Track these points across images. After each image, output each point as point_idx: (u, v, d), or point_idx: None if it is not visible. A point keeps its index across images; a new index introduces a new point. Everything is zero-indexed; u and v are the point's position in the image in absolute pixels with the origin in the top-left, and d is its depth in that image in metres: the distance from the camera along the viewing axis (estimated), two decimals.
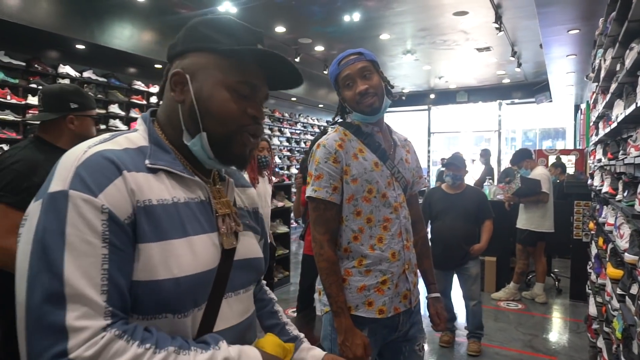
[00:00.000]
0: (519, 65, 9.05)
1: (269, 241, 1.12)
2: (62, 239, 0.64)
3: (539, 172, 4.87)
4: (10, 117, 5.15)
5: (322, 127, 11.78)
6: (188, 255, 0.75)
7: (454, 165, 3.65)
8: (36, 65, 5.51)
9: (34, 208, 0.68)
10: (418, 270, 1.76)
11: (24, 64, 5.40)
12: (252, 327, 0.93)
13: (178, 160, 0.82)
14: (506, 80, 11.44)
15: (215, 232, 0.83)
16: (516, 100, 12.26)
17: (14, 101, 5.25)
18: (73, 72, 5.90)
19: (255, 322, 0.96)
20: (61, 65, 5.80)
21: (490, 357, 3.54)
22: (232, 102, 0.81)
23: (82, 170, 0.68)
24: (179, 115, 0.82)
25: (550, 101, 10.94)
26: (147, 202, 0.72)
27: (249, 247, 0.92)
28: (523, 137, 15.36)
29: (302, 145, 11.32)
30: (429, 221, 3.75)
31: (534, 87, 11.05)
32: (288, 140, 10.98)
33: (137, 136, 0.81)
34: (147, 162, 0.76)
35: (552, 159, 8.53)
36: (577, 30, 5.40)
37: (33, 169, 1.63)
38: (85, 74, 6.11)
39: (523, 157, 5.16)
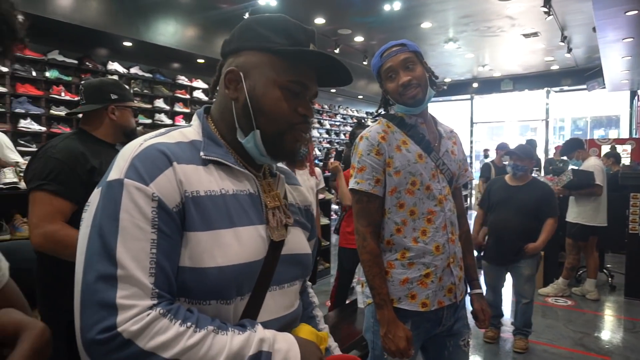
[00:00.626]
0: (569, 50, 8.61)
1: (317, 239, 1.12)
2: (116, 223, 0.69)
3: (592, 163, 4.62)
4: (64, 112, 5.42)
5: (362, 119, 11.69)
6: (233, 245, 0.77)
7: (516, 154, 3.45)
8: (87, 63, 5.77)
9: (95, 195, 0.74)
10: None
11: (76, 62, 5.67)
12: (295, 322, 0.94)
13: (230, 154, 0.85)
14: (555, 67, 10.93)
15: (263, 225, 0.85)
16: (565, 88, 11.71)
17: (67, 97, 5.53)
18: (121, 69, 6.14)
19: (299, 318, 0.97)
20: (110, 62, 6.05)
21: (538, 355, 3.42)
22: (283, 100, 0.84)
23: (136, 161, 0.73)
24: (232, 112, 0.85)
25: (603, 87, 10.36)
26: (195, 194, 0.76)
27: (297, 242, 0.93)
28: (572, 126, 14.67)
29: (342, 137, 11.29)
30: (487, 212, 3.60)
31: (586, 74, 10.49)
32: (327, 132, 10.99)
33: (190, 131, 0.85)
34: (201, 153, 0.80)
35: (605, 149, 8.11)
36: (636, 12, 5.07)
37: (74, 159, 1.67)
38: (132, 70, 6.34)
39: (574, 147, 4.87)
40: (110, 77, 5.86)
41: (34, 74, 5.27)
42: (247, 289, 0.80)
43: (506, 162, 6.01)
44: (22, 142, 5.12)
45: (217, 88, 0.90)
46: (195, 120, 0.89)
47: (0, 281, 0.79)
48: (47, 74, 5.41)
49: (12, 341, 0.65)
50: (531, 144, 7.40)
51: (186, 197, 0.75)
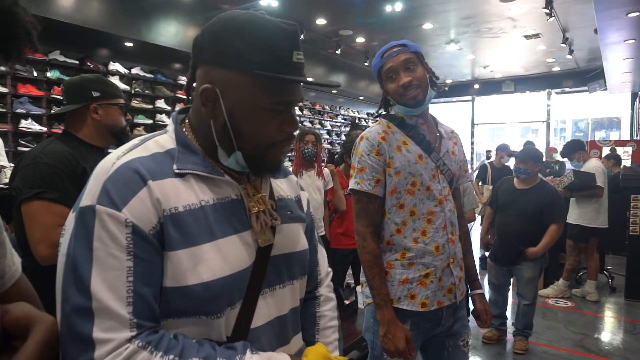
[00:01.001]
0: (571, 52, 8.62)
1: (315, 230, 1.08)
2: (90, 253, 0.67)
3: (593, 165, 4.62)
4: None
5: (357, 121, 11.69)
6: (217, 259, 0.75)
7: (519, 157, 3.45)
8: (88, 63, 5.77)
9: (70, 220, 0.72)
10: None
11: (77, 62, 5.68)
12: (294, 322, 0.92)
13: (206, 161, 0.80)
14: (556, 69, 10.93)
15: (248, 231, 0.81)
16: (567, 89, 11.71)
17: None
18: (122, 69, 6.14)
19: (299, 315, 0.95)
20: (111, 62, 6.06)
21: (538, 356, 3.42)
22: (266, 123, 0.78)
23: (109, 184, 0.70)
24: (211, 128, 0.80)
25: (605, 89, 10.35)
26: (174, 210, 0.73)
27: (290, 240, 0.90)
28: (574, 128, 14.66)
29: (343, 137, 11.30)
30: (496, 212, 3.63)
31: (587, 75, 10.49)
32: (328, 132, 10.99)
33: (165, 138, 0.81)
34: (174, 167, 0.76)
35: (606, 151, 8.10)
36: (637, 13, 5.07)
37: (65, 162, 1.54)
38: (134, 71, 6.35)
39: (575, 148, 4.87)
40: (112, 77, 5.87)
41: (35, 74, 5.27)
42: (237, 298, 0.78)
43: (507, 164, 6.02)
44: (23, 143, 5.13)
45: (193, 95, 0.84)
46: (170, 125, 0.84)
47: (13, 276, 0.80)
48: (49, 74, 5.42)
49: (24, 334, 0.67)
50: (528, 145, 7.37)
51: (165, 216, 0.72)
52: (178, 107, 6.87)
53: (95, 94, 1.71)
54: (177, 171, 0.75)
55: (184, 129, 0.83)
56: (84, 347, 0.63)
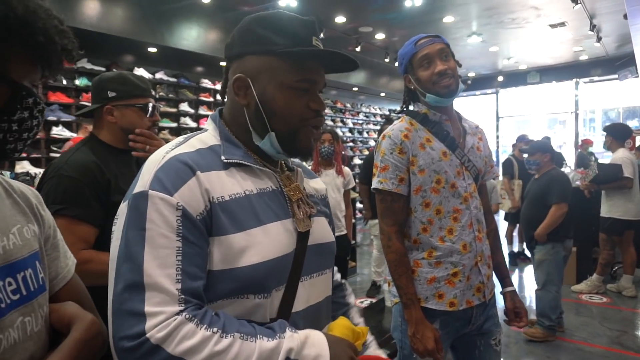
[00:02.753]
0: (599, 39, 8.33)
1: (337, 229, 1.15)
2: (142, 233, 0.72)
3: (620, 156, 4.46)
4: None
5: (388, 114, 11.61)
6: (265, 242, 0.80)
7: (527, 151, 3.75)
8: (114, 70, 5.91)
9: (122, 208, 0.78)
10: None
11: (104, 69, 5.82)
12: (327, 310, 0.97)
13: (249, 155, 0.88)
14: (584, 57, 10.58)
15: (289, 219, 0.88)
16: (595, 78, 11.32)
17: None
18: (147, 74, 6.27)
19: (330, 306, 1.00)
20: (136, 68, 6.19)
21: (572, 353, 3.33)
22: (294, 100, 0.86)
23: (160, 173, 0.76)
24: (244, 116, 0.88)
25: (637, 76, 9.97)
26: (222, 199, 0.79)
27: (321, 231, 0.96)
28: (604, 118, 14.17)
29: (365, 135, 11.24)
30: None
31: (617, 63, 10.12)
32: (350, 130, 10.95)
33: (207, 136, 0.89)
34: (223, 157, 0.83)
35: (639, 140, 7.80)
36: None
37: (90, 174, 1.43)
38: (158, 75, 6.47)
39: (613, 132, 4.68)
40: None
41: (64, 82, 5.43)
42: (281, 281, 0.83)
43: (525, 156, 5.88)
44: (54, 149, 5.29)
45: (227, 91, 0.93)
46: (210, 124, 0.92)
47: (65, 277, 0.85)
48: (77, 81, 5.57)
49: (67, 331, 0.74)
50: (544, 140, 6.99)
51: (213, 204, 0.77)
52: (201, 109, 6.99)
53: (110, 94, 1.58)
54: (225, 161, 0.83)
55: (224, 126, 0.91)
56: (134, 321, 0.68)
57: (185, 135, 0.89)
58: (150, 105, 1.63)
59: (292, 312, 0.85)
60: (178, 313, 0.69)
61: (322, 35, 0.86)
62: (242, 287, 0.78)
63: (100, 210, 1.41)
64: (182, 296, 0.71)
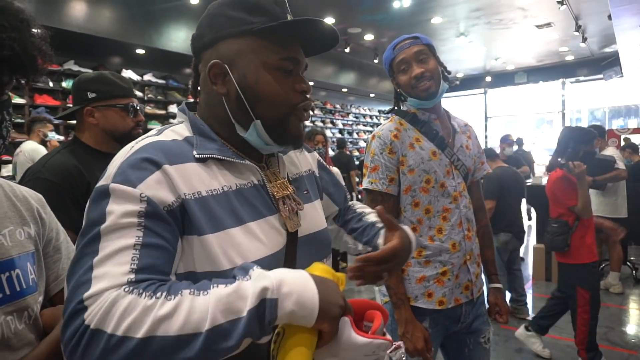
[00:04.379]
0: (584, 40, 8.45)
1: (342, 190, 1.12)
2: (98, 227, 0.65)
3: (609, 153, 4.55)
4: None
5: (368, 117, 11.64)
6: (248, 242, 0.74)
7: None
8: (110, 73, 5.86)
9: (88, 203, 0.72)
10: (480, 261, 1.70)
11: (91, 71, 5.76)
12: None
13: (226, 147, 0.80)
14: (570, 57, 10.74)
15: (275, 215, 0.81)
16: (581, 78, 11.49)
17: None
18: (135, 76, 6.23)
19: None
20: (124, 70, 6.14)
21: (562, 350, 3.37)
22: (279, 82, 0.79)
23: (125, 165, 0.70)
24: (224, 108, 0.80)
25: (621, 76, 10.12)
26: (197, 195, 0.72)
27: (312, 220, 0.90)
28: (590, 117, 14.35)
29: (355, 136, 11.27)
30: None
31: (602, 63, 10.27)
32: (340, 131, 10.97)
33: (182, 127, 0.82)
34: (194, 152, 0.76)
35: (622, 140, 7.92)
36: None
37: (68, 177, 1.38)
38: (146, 77, 6.43)
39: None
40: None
41: (51, 84, 5.37)
42: None
43: (511, 155, 5.96)
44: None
45: (201, 86, 0.85)
46: (181, 116, 0.85)
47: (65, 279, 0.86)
48: (64, 84, 5.51)
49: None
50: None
51: (186, 200, 0.70)
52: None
53: (90, 95, 1.52)
54: (197, 156, 0.75)
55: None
56: (77, 316, 0.59)
57: (159, 128, 0.82)
58: (133, 104, 1.57)
59: None
60: (117, 289, 0.59)
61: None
62: None
63: (78, 214, 1.34)
64: (133, 277, 0.61)
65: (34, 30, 0.70)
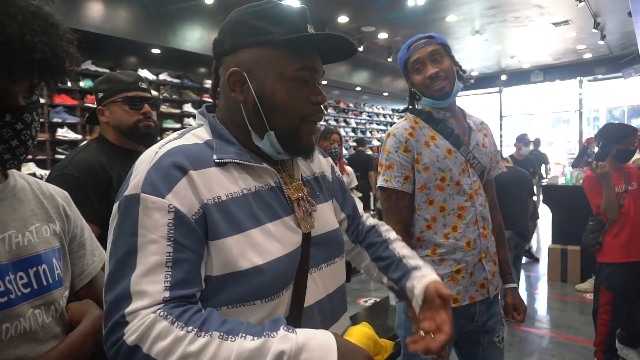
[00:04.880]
0: (603, 37, 8.31)
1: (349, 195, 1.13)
2: (134, 240, 0.69)
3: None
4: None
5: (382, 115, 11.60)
6: (266, 242, 0.77)
7: None
8: (118, 72, 5.94)
9: (115, 210, 0.75)
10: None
11: (108, 70, 5.85)
12: (341, 300, 0.95)
13: (244, 151, 0.83)
14: (587, 55, 10.55)
15: (290, 215, 0.84)
16: (600, 76, 11.28)
17: None
18: (150, 76, 6.30)
19: (345, 293, 0.98)
20: (140, 69, 6.22)
21: (577, 352, 3.33)
22: (295, 93, 0.81)
23: (152, 173, 0.72)
24: (242, 114, 0.83)
25: None
26: (217, 199, 0.75)
27: (324, 220, 0.92)
28: (608, 116, 14.10)
29: (368, 135, 11.24)
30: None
31: (621, 61, 10.08)
32: (354, 130, 10.96)
33: (202, 131, 0.84)
34: (214, 157, 0.78)
35: None
36: None
37: (92, 173, 1.44)
38: (161, 77, 6.50)
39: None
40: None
41: (69, 84, 5.46)
42: (289, 280, 0.81)
43: (527, 155, 5.84)
44: (60, 150, 5.33)
45: (220, 90, 0.88)
46: (201, 119, 0.87)
47: (90, 274, 0.90)
48: (82, 83, 5.60)
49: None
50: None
51: (207, 205, 0.73)
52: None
53: (99, 95, 1.59)
54: (217, 161, 0.78)
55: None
56: (118, 329, 0.66)
57: (180, 131, 0.85)
58: (135, 97, 1.57)
59: (305, 307, 0.82)
60: (154, 312, 0.66)
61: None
62: (247, 293, 0.74)
63: (102, 208, 1.41)
64: (168, 297, 0.67)
65: (62, 33, 0.72)
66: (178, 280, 0.69)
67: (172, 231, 0.70)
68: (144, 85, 1.61)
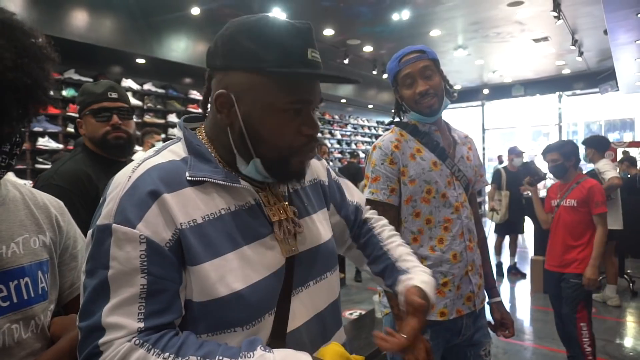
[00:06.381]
0: (581, 54, 8.54)
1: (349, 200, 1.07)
2: (105, 272, 0.67)
3: (603, 164, 4.51)
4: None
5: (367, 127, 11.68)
6: (244, 266, 0.74)
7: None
8: (93, 83, 5.88)
9: (88, 237, 0.73)
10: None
11: (91, 80, 5.78)
12: (333, 318, 0.90)
13: (220, 168, 0.78)
14: (566, 71, 10.83)
15: (272, 234, 0.80)
16: (578, 92, 11.58)
17: None
18: (135, 85, 6.25)
19: (338, 308, 0.93)
20: (124, 79, 6.16)
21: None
22: (284, 125, 0.75)
23: (125, 200, 0.69)
24: (228, 136, 0.78)
25: (617, 90, 10.23)
26: (193, 223, 0.71)
27: (312, 235, 0.88)
28: (586, 130, 14.46)
29: (353, 146, 11.30)
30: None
31: (598, 77, 10.37)
32: (339, 142, 11.00)
33: (179, 147, 0.79)
34: (187, 174, 0.74)
35: (620, 153, 7.97)
36: None
37: (79, 183, 1.44)
38: (146, 87, 6.45)
39: (592, 144, 4.74)
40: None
41: (51, 93, 5.37)
42: (271, 304, 0.77)
43: (519, 165, 5.92)
44: (40, 160, 5.22)
45: (210, 103, 0.82)
46: (178, 132, 0.82)
47: (80, 287, 0.85)
48: (64, 92, 5.53)
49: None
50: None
51: (182, 230, 0.70)
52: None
53: (78, 107, 1.59)
54: (189, 179, 0.73)
55: (201, 139, 0.81)
56: (92, 353, 0.66)
57: (157, 147, 0.81)
58: (101, 108, 1.54)
59: (289, 332, 0.78)
60: (129, 340, 0.64)
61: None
62: (228, 320, 0.72)
63: (89, 218, 1.39)
64: (142, 327, 0.66)
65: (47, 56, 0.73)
66: (153, 311, 0.67)
67: (144, 263, 0.67)
68: (113, 95, 1.57)
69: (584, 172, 4.72)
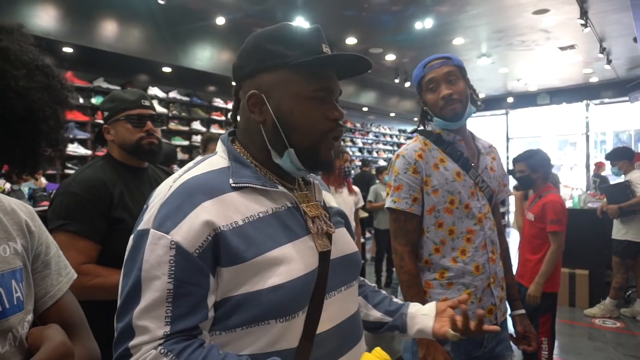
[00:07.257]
0: (609, 62, 8.34)
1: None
2: (139, 274, 0.73)
3: (636, 176, 4.41)
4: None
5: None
6: (284, 263, 0.78)
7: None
8: (129, 89, 6.04)
9: (130, 242, 0.79)
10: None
11: (119, 88, 5.94)
12: (356, 324, 0.94)
13: (259, 174, 0.85)
14: (594, 79, 10.59)
15: (309, 235, 0.86)
16: (606, 100, 11.30)
17: None
18: (160, 93, 6.40)
19: (360, 319, 0.97)
20: (150, 87, 6.32)
21: None
22: (312, 112, 0.84)
23: (164, 208, 0.76)
24: (262, 135, 0.86)
25: None
26: (234, 225, 0.77)
27: (344, 243, 0.94)
28: (615, 140, 14.07)
29: (375, 155, 11.27)
30: None
31: (627, 85, 10.10)
32: (360, 150, 10.99)
33: (217, 159, 0.87)
34: (230, 181, 0.81)
35: None
36: None
37: (94, 190, 1.46)
38: (171, 94, 6.60)
39: (621, 156, 4.66)
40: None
41: (81, 100, 5.55)
42: (304, 302, 0.81)
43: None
44: (70, 166, 5.38)
45: (240, 112, 0.91)
46: (219, 146, 0.90)
47: (55, 295, 0.82)
48: (93, 100, 5.69)
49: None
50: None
51: (221, 232, 0.75)
52: (213, 128, 7.08)
53: (105, 114, 1.62)
54: (233, 185, 0.80)
55: (235, 147, 0.89)
56: (123, 354, 0.72)
57: (195, 160, 0.88)
58: (137, 114, 1.59)
59: (317, 334, 0.81)
60: (155, 347, 0.70)
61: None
62: (264, 312, 0.76)
63: (103, 226, 1.45)
64: (168, 332, 0.72)
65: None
66: (179, 314, 0.72)
67: (173, 268, 0.73)
68: (146, 103, 1.63)
69: (617, 181, 4.60)
